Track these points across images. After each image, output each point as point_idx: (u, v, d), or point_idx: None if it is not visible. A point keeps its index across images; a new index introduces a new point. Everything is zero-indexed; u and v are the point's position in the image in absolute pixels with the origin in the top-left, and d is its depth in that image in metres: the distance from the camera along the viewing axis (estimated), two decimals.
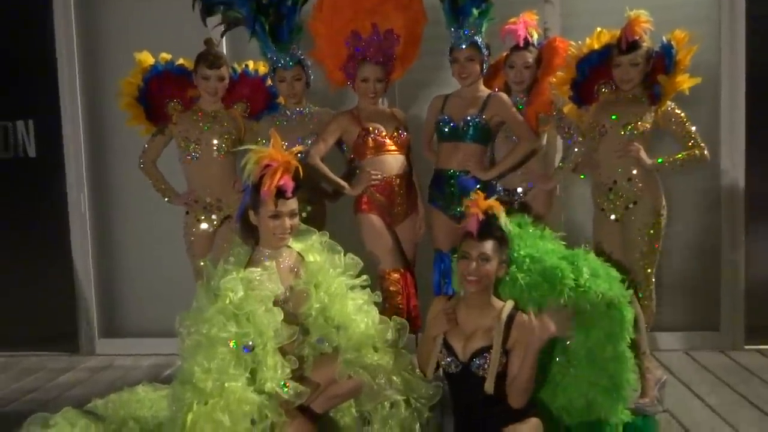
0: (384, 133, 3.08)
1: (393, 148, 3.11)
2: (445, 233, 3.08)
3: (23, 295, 4.21)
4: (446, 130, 3.08)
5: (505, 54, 3.16)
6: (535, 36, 3.09)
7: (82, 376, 3.65)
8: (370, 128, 3.07)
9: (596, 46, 3.00)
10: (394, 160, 3.10)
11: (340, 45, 3.16)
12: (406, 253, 3.17)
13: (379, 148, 3.09)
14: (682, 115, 2.90)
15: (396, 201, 3.11)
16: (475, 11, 2.98)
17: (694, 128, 2.90)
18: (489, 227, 2.40)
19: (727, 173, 3.64)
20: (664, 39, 2.90)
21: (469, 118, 3.03)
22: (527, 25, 3.05)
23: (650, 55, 2.87)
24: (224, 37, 3.41)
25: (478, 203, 2.43)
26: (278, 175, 2.38)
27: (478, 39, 3.02)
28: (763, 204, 3.77)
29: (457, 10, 3.00)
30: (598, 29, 3.02)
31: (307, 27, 3.19)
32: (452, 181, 3.06)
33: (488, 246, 2.39)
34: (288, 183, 2.41)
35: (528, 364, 2.32)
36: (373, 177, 3.04)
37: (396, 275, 3.03)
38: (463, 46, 3.00)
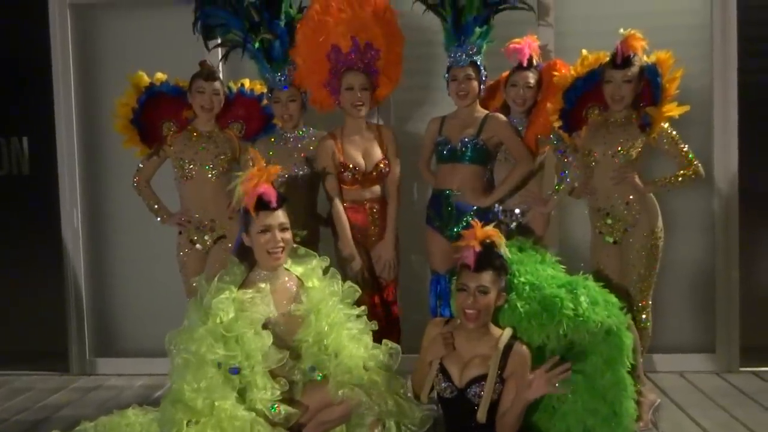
0: (361, 171, 3.06)
1: (368, 183, 3.10)
2: (442, 255, 3.07)
3: (14, 313, 4.17)
4: (444, 151, 3.08)
5: (504, 74, 3.18)
6: (535, 59, 3.11)
7: (73, 397, 3.60)
8: (350, 165, 3.05)
9: (581, 72, 3.00)
10: (368, 191, 3.10)
11: (321, 63, 3.14)
12: (382, 274, 3.13)
13: (355, 183, 3.08)
14: (674, 134, 2.90)
15: (370, 223, 3.10)
16: (478, 30, 3.02)
17: (686, 147, 2.91)
18: (487, 258, 2.35)
19: (721, 194, 3.65)
20: (649, 61, 2.89)
21: (466, 139, 3.04)
22: (530, 46, 3.08)
23: (642, 74, 2.87)
24: (221, 62, 3.41)
25: (475, 233, 2.38)
26: (255, 182, 2.38)
27: (478, 59, 3.05)
28: (757, 225, 3.78)
29: (459, 29, 3.02)
30: (584, 52, 3.03)
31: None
32: (450, 200, 3.06)
33: (486, 278, 2.35)
34: (269, 191, 2.41)
35: (515, 412, 2.29)
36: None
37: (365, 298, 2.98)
38: (463, 65, 3.01)
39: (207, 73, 3.11)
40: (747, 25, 3.63)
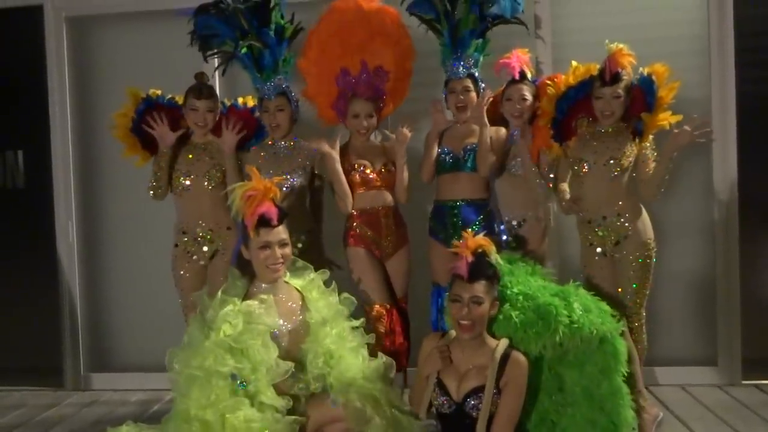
0: (369, 170, 3.09)
1: (379, 184, 3.11)
2: (445, 267, 3.03)
3: (8, 327, 4.13)
4: (447, 160, 3.10)
5: (501, 89, 3.17)
6: (528, 72, 3.11)
7: (67, 413, 3.56)
8: (356, 165, 3.09)
9: (572, 82, 3.00)
10: (380, 195, 3.11)
11: (330, 83, 3.19)
12: (396, 288, 3.14)
13: (366, 184, 3.09)
14: (650, 155, 2.90)
15: (384, 234, 3.09)
16: (474, 44, 3.04)
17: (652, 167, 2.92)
18: (479, 268, 2.37)
19: (721, 203, 3.63)
20: (644, 73, 2.89)
21: (469, 147, 3.05)
22: (520, 59, 3.07)
23: (630, 88, 2.87)
24: (218, 74, 3.40)
25: (467, 244, 2.40)
26: (257, 202, 2.37)
27: (475, 71, 3.07)
28: (757, 234, 3.76)
29: (456, 43, 3.04)
30: (574, 63, 3.03)
31: (297, 65, 3.21)
32: (455, 211, 3.07)
33: (480, 288, 2.35)
34: (270, 210, 2.40)
35: (501, 419, 2.30)
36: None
37: (381, 310, 2.99)
38: (461, 77, 3.03)
39: (200, 90, 3.10)
40: (744, 36, 3.62)
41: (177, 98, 3.25)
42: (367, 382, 2.40)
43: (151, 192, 3.17)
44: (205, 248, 3.15)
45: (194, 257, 3.15)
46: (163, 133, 3.11)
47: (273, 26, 3.10)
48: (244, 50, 3.06)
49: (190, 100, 3.11)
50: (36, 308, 4.09)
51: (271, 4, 3.09)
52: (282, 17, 3.15)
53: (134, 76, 3.46)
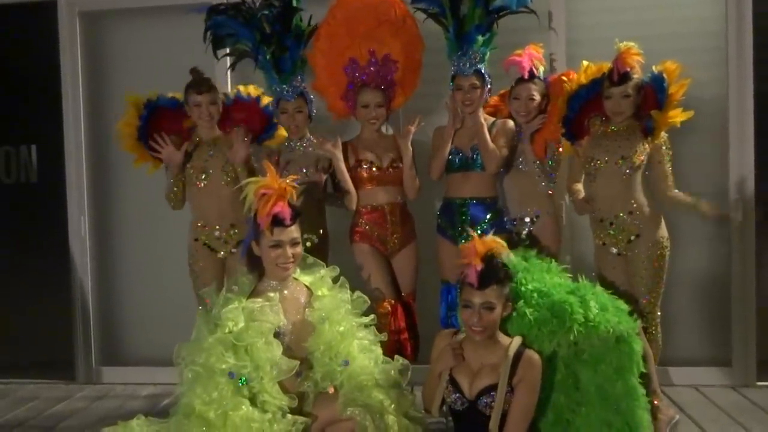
0: (375, 167, 3.07)
1: (386, 180, 3.09)
2: (454, 264, 3.02)
3: (21, 321, 4.16)
4: (456, 160, 3.08)
5: (510, 86, 3.14)
6: (541, 69, 3.08)
7: (79, 406, 3.59)
8: (363, 161, 3.07)
9: (584, 81, 2.97)
10: (387, 192, 3.10)
11: (339, 74, 3.18)
12: (402, 284, 3.13)
13: (373, 180, 3.09)
14: (669, 153, 2.87)
15: (390, 231, 3.08)
16: (480, 39, 3.00)
17: (670, 168, 2.90)
18: (490, 273, 2.31)
19: (737, 204, 3.58)
20: (655, 70, 2.86)
21: (476, 146, 3.03)
22: (532, 57, 3.04)
23: (641, 86, 2.84)
24: (230, 70, 3.40)
25: (476, 249, 2.32)
26: (271, 202, 2.37)
27: (482, 67, 3.03)
28: None
29: (461, 38, 3.01)
30: (585, 63, 3.00)
31: (307, 58, 3.21)
32: (463, 209, 3.05)
33: (491, 293, 2.31)
34: (284, 210, 2.40)
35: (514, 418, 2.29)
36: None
37: (387, 306, 2.98)
38: (467, 74, 3.00)
39: (199, 85, 3.08)
40: (763, 32, 3.57)
41: (177, 95, 3.22)
42: (377, 389, 2.38)
43: (171, 204, 3.17)
44: (227, 243, 3.13)
45: (214, 251, 3.14)
46: (170, 154, 3.09)
47: (293, 30, 3.11)
48: (270, 58, 3.07)
49: (192, 97, 3.09)
50: (48, 302, 4.11)
51: (295, 9, 3.10)
52: (300, 19, 3.16)
53: (147, 71, 3.46)
